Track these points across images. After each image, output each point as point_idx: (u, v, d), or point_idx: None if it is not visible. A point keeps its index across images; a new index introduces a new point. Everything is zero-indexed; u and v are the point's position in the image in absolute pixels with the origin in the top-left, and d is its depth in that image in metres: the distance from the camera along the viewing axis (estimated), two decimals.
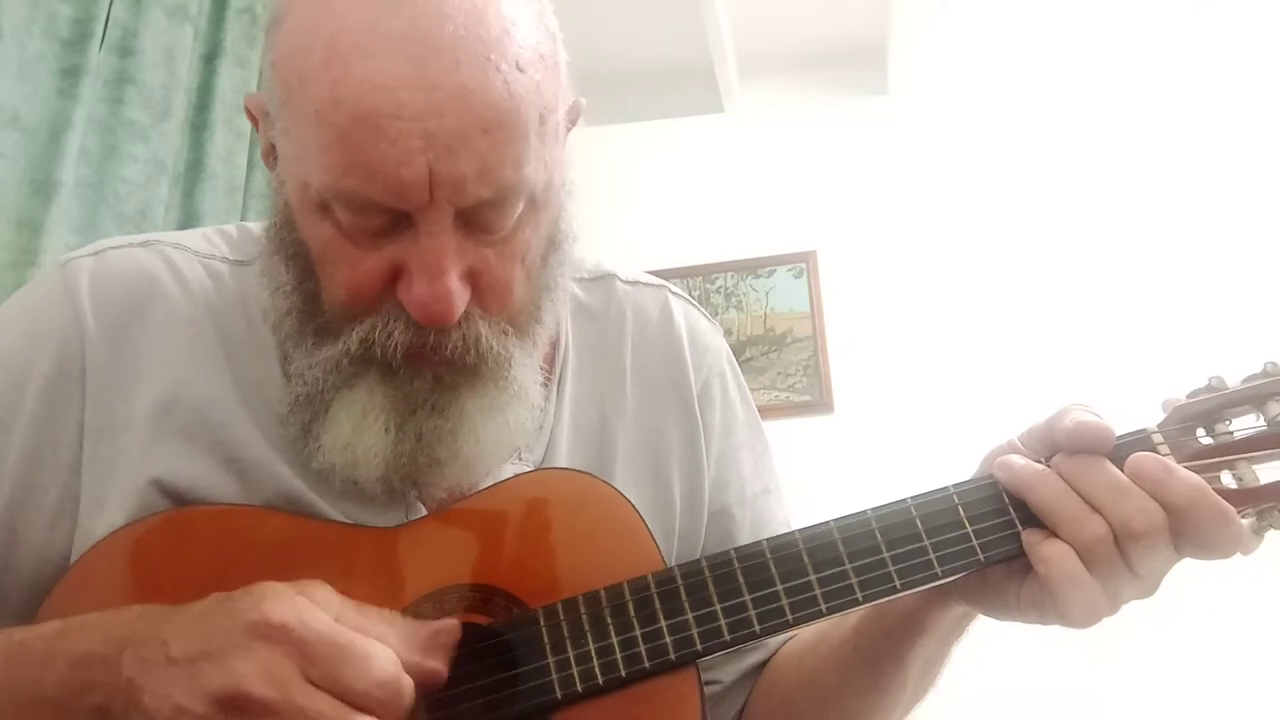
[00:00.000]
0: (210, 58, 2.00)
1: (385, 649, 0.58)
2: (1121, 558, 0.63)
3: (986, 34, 3.19)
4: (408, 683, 0.59)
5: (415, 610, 0.69)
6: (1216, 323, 2.73)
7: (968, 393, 2.86)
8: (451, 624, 0.64)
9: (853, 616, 0.74)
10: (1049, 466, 0.67)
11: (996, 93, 3.14)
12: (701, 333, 0.90)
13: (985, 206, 3.05)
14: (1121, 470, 0.65)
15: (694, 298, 0.96)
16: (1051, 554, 0.64)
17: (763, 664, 0.85)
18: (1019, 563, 0.67)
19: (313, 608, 0.59)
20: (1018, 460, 0.68)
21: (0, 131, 1.53)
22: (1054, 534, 0.65)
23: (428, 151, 0.61)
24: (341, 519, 0.73)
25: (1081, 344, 2.86)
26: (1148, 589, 0.66)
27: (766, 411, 3.07)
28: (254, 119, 0.73)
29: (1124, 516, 0.63)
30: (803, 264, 3.08)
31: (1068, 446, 0.67)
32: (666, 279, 0.92)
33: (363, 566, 0.70)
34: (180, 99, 1.87)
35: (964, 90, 3.18)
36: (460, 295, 0.65)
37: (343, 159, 0.62)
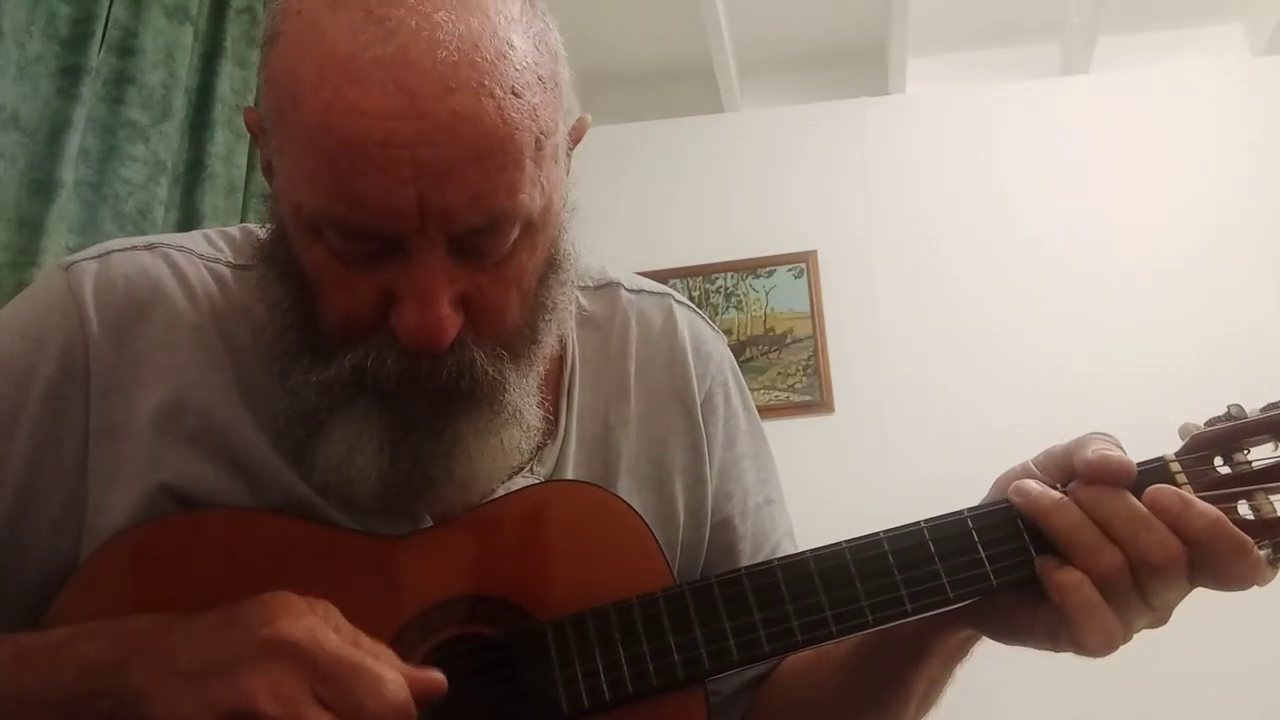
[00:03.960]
0: (210, 58, 2.00)
1: (395, 674, 0.58)
2: (1137, 589, 0.63)
3: (986, 34, 3.19)
4: (415, 710, 0.58)
5: (422, 619, 0.69)
6: (1230, 327, 2.73)
7: (968, 393, 2.86)
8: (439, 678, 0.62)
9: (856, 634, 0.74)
10: (1066, 494, 0.67)
11: (997, 92, 3.14)
12: (705, 341, 0.89)
13: (986, 206, 3.04)
14: (1139, 501, 0.64)
15: (694, 298, 0.96)
16: (1067, 581, 0.64)
17: (763, 677, 0.84)
18: (1031, 589, 0.66)
19: (324, 627, 0.58)
20: (1035, 486, 0.68)
21: (0, 131, 1.53)
22: (1069, 562, 0.64)
23: (418, 180, 0.60)
24: (350, 522, 0.72)
25: (1082, 346, 2.86)
26: (1160, 619, 0.66)
27: (766, 411, 3.06)
28: (253, 132, 0.72)
29: (1142, 549, 0.63)
30: (803, 264, 3.07)
31: (1087, 477, 0.66)
32: (666, 279, 0.92)
33: (370, 574, 0.70)
34: (180, 99, 1.86)
35: (964, 90, 3.18)
36: (451, 322, 0.64)
37: (332, 185, 0.61)
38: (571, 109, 0.71)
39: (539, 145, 0.64)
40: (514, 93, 0.62)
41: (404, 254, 0.63)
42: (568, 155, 0.73)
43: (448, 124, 0.59)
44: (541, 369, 0.74)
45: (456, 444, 0.68)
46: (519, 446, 0.71)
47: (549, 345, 0.74)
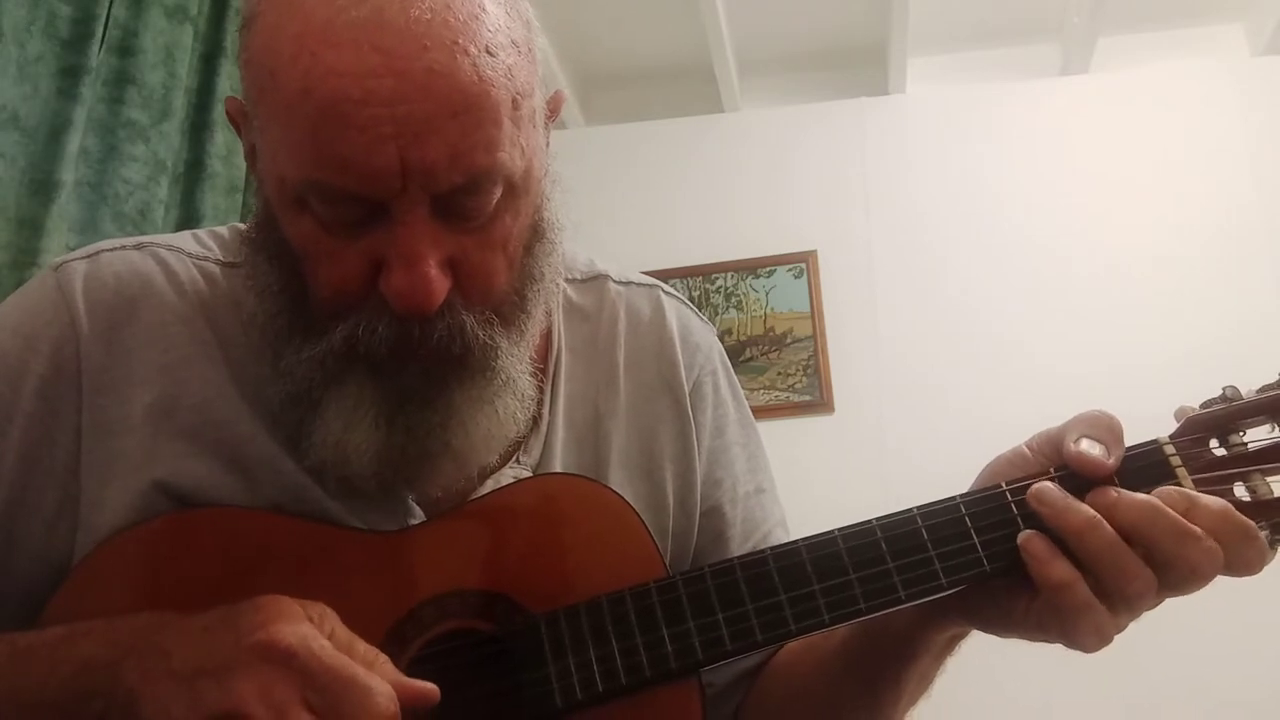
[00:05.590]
0: (210, 58, 2.00)
1: (386, 686, 0.57)
2: (1157, 597, 0.63)
3: (986, 34, 3.19)
4: None
5: (417, 614, 0.69)
6: (1230, 328, 2.73)
7: (968, 393, 2.86)
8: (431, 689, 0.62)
9: (842, 629, 0.73)
10: (1093, 505, 0.64)
11: (997, 92, 3.14)
12: (693, 331, 0.89)
13: (986, 206, 3.04)
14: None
15: (694, 298, 0.96)
16: (1060, 579, 0.63)
17: (757, 669, 0.84)
18: (1025, 579, 0.65)
19: (318, 633, 0.58)
20: (1058, 495, 0.65)
21: (0, 131, 1.53)
22: (1067, 558, 0.63)
23: (398, 138, 0.60)
24: (345, 513, 0.72)
25: (1082, 346, 2.86)
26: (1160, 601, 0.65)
27: (767, 411, 3.08)
28: (235, 122, 0.73)
29: (1189, 562, 0.62)
30: (803, 264, 3.07)
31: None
32: (666, 279, 0.92)
33: (367, 570, 0.70)
34: (180, 99, 1.87)
35: (964, 90, 3.18)
36: (439, 283, 0.64)
37: (314, 150, 0.61)
38: (550, 78, 0.71)
39: (516, 105, 0.65)
40: (488, 51, 0.63)
41: (389, 218, 0.63)
42: (546, 125, 0.73)
43: (423, 81, 0.60)
44: (532, 343, 0.74)
45: (451, 415, 0.68)
46: (514, 416, 0.71)
47: (538, 317, 0.74)
